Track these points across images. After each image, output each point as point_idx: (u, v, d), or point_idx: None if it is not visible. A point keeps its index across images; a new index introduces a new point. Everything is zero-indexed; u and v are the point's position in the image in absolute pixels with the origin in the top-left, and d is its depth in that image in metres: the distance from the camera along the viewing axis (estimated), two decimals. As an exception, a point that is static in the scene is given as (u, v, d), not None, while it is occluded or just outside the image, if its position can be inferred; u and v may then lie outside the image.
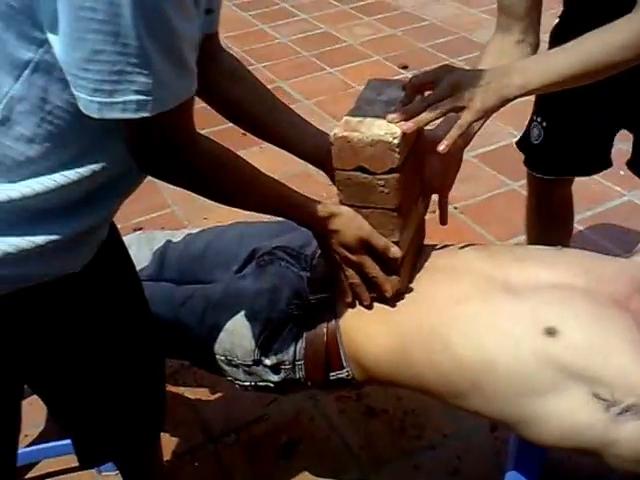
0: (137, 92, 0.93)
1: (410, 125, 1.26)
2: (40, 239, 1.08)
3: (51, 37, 0.92)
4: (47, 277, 1.15)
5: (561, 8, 1.77)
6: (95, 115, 0.95)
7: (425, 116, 1.27)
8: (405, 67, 4.17)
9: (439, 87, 1.29)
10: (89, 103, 0.94)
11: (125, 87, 0.92)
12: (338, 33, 4.81)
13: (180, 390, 2.22)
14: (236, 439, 2.06)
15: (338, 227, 1.32)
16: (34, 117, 1.00)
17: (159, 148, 1.07)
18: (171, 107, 0.98)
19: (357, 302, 1.41)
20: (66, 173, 1.06)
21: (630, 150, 1.85)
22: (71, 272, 1.19)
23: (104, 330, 1.35)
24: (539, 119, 1.90)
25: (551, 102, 1.82)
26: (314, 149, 1.45)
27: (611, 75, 1.34)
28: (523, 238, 2.62)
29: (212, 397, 2.19)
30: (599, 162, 1.95)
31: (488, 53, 1.59)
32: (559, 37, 1.57)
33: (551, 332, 1.18)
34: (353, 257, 1.34)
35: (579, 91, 1.57)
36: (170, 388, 2.20)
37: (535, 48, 1.60)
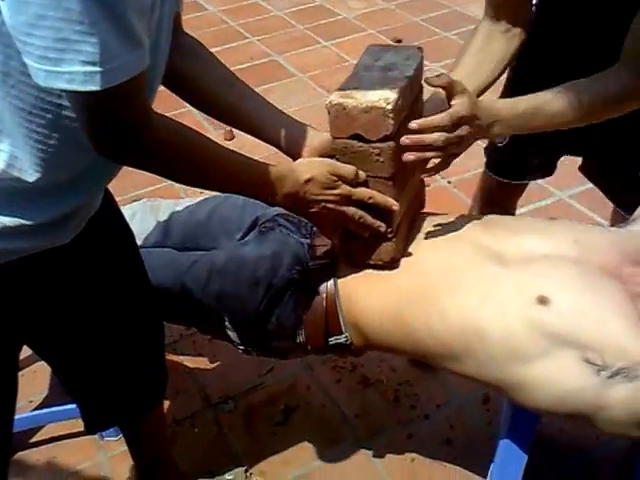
0: (84, 62, 0.88)
1: (411, 158, 1.26)
2: (18, 219, 1.08)
3: (0, 3, 0.88)
4: (35, 250, 1.15)
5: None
6: (42, 83, 0.91)
7: (428, 154, 1.28)
8: (399, 41, 4.14)
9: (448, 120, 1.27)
10: (36, 70, 0.90)
11: (72, 57, 0.88)
12: (333, 7, 4.76)
13: (180, 359, 2.23)
14: (234, 406, 2.08)
15: (310, 173, 1.27)
16: (0, 91, 0.97)
17: (112, 127, 1.01)
18: (121, 81, 0.92)
19: (356, 268, 1.42)
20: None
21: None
22: (60, 244, 1.18)
23: (99, 296, 1.35)
24: None
25: None
26: (284, 137, 1.41)
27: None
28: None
29: (211, 366, 2.21)
30: (546, 169, 1.90)
31: (477, 35, 1.59)
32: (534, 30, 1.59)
33: (543, 301, 1.20)
34: (340, 191, 1.29)
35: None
36: (170, 357, 2.20)
37: (523, 38, 1.58)
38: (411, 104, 1.35)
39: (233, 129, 3.35)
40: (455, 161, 1.33)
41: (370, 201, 1.32)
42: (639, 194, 1.72)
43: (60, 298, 1.28)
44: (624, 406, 1.14)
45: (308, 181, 1.27)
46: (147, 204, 1.80)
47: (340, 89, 1.30)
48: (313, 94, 3.66)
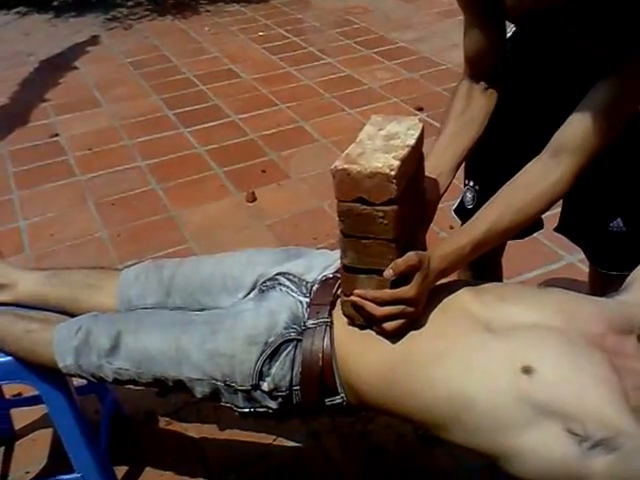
0: None
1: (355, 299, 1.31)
2: None
3: None
4: None
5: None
6: None
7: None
8: (420, 109, 4.07)
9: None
10: None
11: None
12: (360, 77, 4.72)
13: (183, 427, 2.11)
14: (236, 477, 1.95)
15: None
16: None
17: None
18: None
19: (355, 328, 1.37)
20: None
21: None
22: None
23: None
24: (471, 183, 1.76)
25: (481, 165, 1.70)
26: None
27: (538, 141, 1.36)
28: (526, 277, 2.52)
29: (216, 435, 2.08)
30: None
31: (458, 97, 1.55)
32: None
33: (527, 371, 1.16)
34: None
35: (508, 151, 1.58)
36: (174, 426, 2.10)
37: (499, 92, 1.53)
38: (413, 172, 1.32)
39: (255, 191, 3.31)
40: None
41: None
42: (613, 250, 1.62)
43: None
44: (604, 477, 1.08)
45: None
46: (150, 265, 1.73)
47: (345, 155, 1.27)
48: (334, 158, 3.53)
